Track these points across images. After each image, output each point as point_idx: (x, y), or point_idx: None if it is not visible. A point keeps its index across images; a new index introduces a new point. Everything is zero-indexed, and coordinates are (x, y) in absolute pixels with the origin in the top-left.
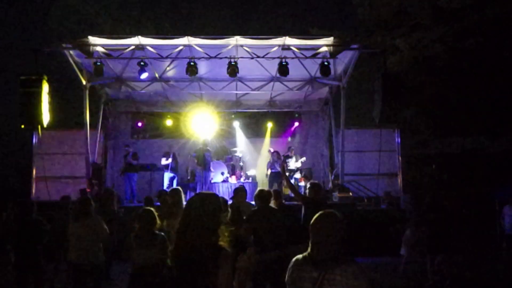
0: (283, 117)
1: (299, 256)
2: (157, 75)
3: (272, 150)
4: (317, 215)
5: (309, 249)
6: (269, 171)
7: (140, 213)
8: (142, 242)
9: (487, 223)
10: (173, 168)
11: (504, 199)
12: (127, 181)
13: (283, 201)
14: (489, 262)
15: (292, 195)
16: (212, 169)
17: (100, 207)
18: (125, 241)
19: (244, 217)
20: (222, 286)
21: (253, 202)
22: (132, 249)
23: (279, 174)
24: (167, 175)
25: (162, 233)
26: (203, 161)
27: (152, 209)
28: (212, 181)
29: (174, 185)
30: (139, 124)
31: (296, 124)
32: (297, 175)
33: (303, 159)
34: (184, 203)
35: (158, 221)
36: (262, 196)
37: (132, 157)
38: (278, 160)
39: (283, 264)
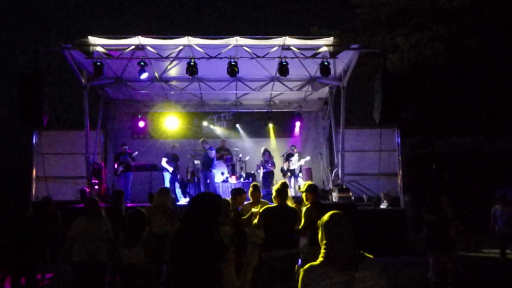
0: (283, 117)
1: (314, 263)
2: (157, 75)
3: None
4: (331, 216)
5: (325, 252)
6: (262, 170)
7: (130, 213)
8: (129, 241)
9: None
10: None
11: (495, 199)
12: (123, 180)
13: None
14: (488, 261)
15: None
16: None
17: (109, 208)
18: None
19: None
20: (226, 283)
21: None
22: (120, 249)
23: (271, 174)
24: (167, 176)
25: (148, 233)
26: (205, 160)
27: (141, 209)
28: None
29: (176, 186)
30: (141, 125)
31: (298, 123)
32: (300, 174)
33: (307, 158)
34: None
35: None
36: (283, 192)
37: (129, 156)
38: (270, 159)
39: (290, 263)
